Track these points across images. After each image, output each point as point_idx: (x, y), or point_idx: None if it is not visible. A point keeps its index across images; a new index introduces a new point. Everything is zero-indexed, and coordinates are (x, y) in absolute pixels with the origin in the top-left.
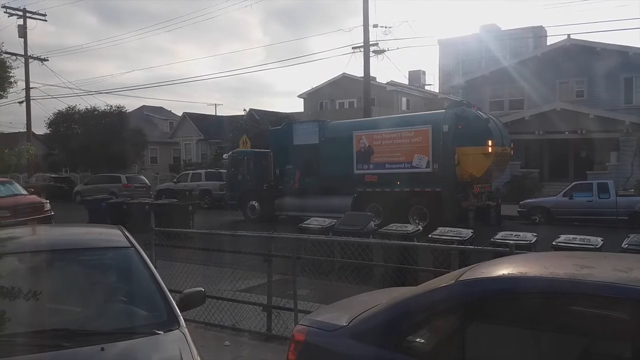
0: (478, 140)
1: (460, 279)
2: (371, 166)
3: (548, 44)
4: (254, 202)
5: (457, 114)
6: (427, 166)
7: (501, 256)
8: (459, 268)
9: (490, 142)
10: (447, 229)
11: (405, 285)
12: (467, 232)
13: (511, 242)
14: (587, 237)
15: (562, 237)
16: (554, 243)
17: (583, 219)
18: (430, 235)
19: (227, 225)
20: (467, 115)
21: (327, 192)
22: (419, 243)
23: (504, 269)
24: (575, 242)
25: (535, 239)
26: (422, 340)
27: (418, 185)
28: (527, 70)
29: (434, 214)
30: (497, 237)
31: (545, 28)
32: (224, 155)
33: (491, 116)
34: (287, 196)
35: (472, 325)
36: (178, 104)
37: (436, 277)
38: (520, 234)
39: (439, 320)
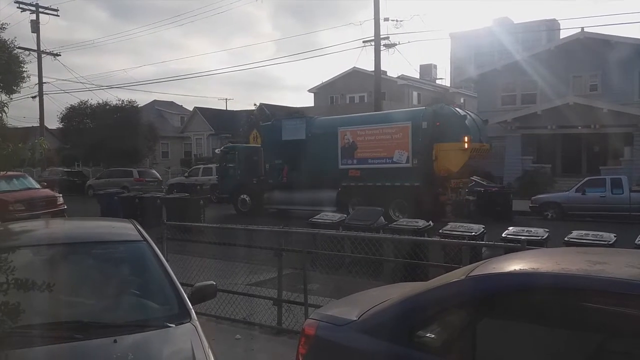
0: (455, 136)
1: (471, 274)
2: (355, 161)
3: (561, 37)
4: (244, 195)
5: (436, 111)
6: (407, 161)
7: (512, 252)
8: (470, 263)
9: (466, 139)
10: (458, 224)
11: (415, 281)
12: (478, 228)
13: (523, 237)
14: (600, 233)
15: (575, 233)
16: (566, 239)
17: (596, 215)
18: (441, 231)
19: (219, 219)
20: (444, 112)
21: (313, 186)
22: (430, 238)
23: (515, 264)
24: (587, 238)
25: (547, 234)
26: (433, 336)
27: (398, 179)
28: (540, 64)
29: (413, 208)
30: (508, 232)
31: (559, 21)
32: (216, 150)
33: (470, 113)
34: (275, 190)
35: (483, 320)
36: (189, 98)
37: (447, 272)
38: (532, 229)
39: (449, 316)
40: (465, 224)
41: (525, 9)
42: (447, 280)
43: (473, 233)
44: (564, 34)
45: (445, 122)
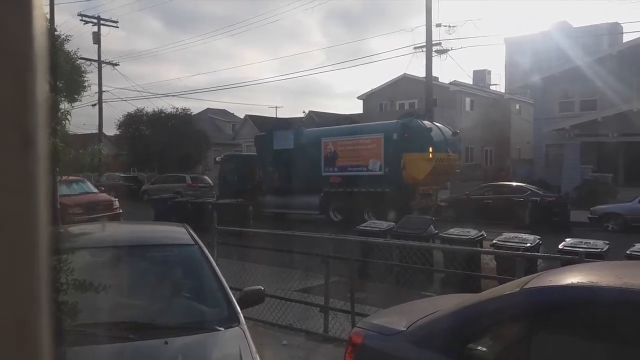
0: (420, 147)
1: (526, 286)
2: (335, 169)
3: (624, 41)
4: (240, 199)
5: (405, 123)
6: (380, 170)
7: (570, 264)
8: (525, 276)
9: (431, 149)
10: (512, 234)
11: (466, 292)
12: (533, 239)
13: (581, 249)
14: None
15: (638, 246)
16: (628, 252)
17: None
18: (494, 242)
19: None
20: (412, 125)
21: (300, 191)
22: (483, 249)
23: (572, 277)
24: None
25: (607, 247)
26: (485, 349)
27: (372, 186)
28: (601, 69)
29: (385, 212)
30: (565, 244)
31: (622, 24)
32: (217, 158)
33: (438, 125)
34: (268, 195)
35: (537, 334)
36: (240, 106)
37: (500, 284)
38: (591, 241)
39: (502, 329)
40: (520, 235)
41: (585, 13)
42: (501, 292)
43: (528, 244)
44: (627, 38)
45: (412, 133)
